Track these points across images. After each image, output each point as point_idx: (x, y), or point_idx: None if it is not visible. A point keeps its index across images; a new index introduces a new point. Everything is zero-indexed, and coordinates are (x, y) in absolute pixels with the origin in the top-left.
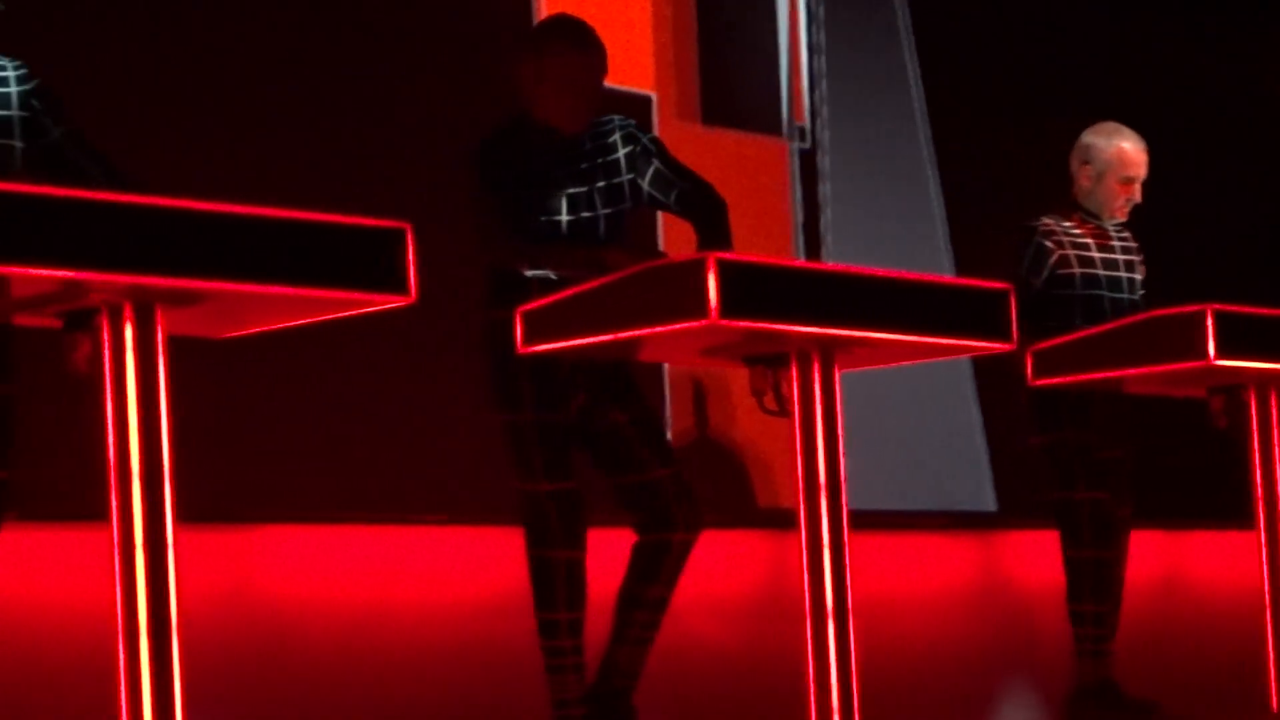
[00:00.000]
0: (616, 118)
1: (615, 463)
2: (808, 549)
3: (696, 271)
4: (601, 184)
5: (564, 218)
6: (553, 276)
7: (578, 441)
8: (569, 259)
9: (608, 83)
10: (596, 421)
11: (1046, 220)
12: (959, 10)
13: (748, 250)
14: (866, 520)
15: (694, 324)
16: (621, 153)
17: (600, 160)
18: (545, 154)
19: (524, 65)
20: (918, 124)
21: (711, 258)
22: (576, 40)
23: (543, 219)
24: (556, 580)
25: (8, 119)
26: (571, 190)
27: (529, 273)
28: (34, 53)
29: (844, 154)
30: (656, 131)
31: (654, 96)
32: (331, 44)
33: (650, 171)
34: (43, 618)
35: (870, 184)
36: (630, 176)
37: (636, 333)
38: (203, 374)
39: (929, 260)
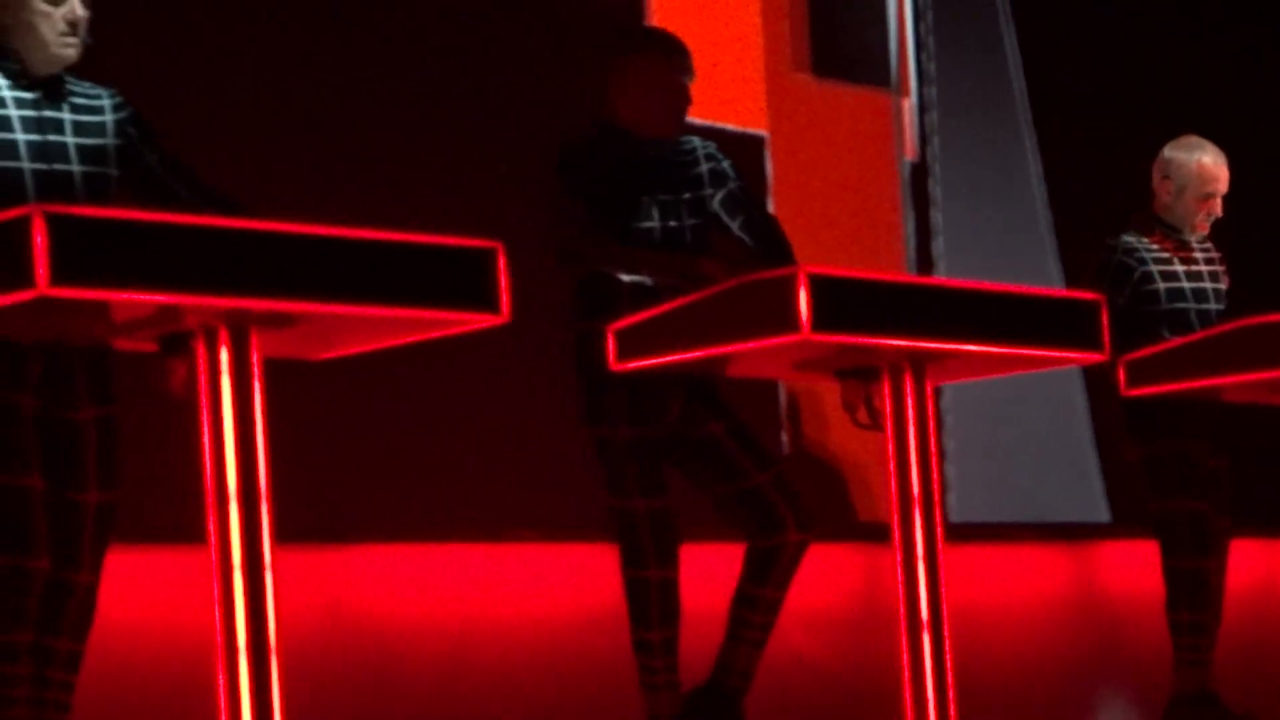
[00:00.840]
0: (697, 139)
1: (716, 472)
2: (902, 562)
3: (788, 286)
4: (687, 195)
5: (655, 224)
6: (647, 283)
7: (670, 456)
8: (666, 264)
9: (719, 121)
10: (694, 432)
11: (1126, 238)
12: (1065, 24)
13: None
14: (964, 532)
15: (786, 339)
16: (704, 168)
17: (685, 173)
18: (632, 162)
19: (611, 72)
20: (1025, 139)
21: (803, 271)
22: (664, 46)
23: (634, 225)
24: (649, 599)
25: (103, 147)
26: (661, 197)
27: (625, 278)
28: (124, 80)
29: (953, 174)
30: (770, 175)
31: (766, 136)
32: (417, 62)
33: (723, 193)
34: (144, 639)
35: (978, 202)
36: (710, 191)
37: (729, 348)
38: (297, 395)
39: (1038, 274)
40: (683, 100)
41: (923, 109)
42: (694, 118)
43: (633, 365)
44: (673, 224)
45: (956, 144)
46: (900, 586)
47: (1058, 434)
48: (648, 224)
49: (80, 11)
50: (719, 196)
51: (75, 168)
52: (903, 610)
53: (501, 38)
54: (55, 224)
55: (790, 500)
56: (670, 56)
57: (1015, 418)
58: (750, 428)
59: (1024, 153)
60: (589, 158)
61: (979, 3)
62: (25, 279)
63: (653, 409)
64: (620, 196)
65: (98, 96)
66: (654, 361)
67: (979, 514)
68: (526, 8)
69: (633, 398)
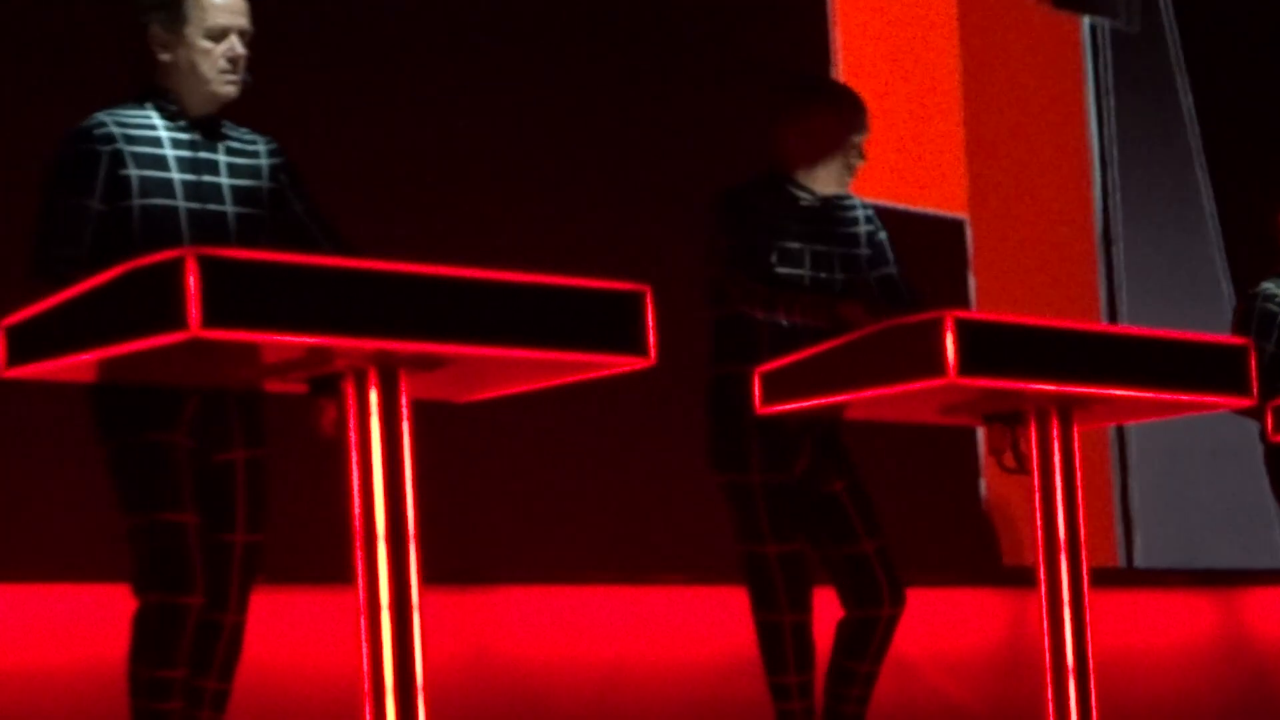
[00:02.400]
0: (858, 199)
1: (829, 532)
2: (1048, 607)
3: (934, 330)
4: (841, 251)
5: (806, 273)
6: (784, 324)
7: (796, 505)
8: (807, 306)
9: (921, 206)
10: (820, 486)
11: (1267, 285)
12: (1235, 59)
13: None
14: (1114, 577)
15: (932, 383)
16: (863, 229)
17: (843, 229)
18: (794, 210)
19: (785, 121)
20: (1198, 174)
21: (949, 316)
22: (842, 102)
23: (784, 271)
24: (784, 644)
25: (257, 190)
26: (816, 248)
27: (762, 316)
28: (271, 124)
29: (1135, 235)
30: (971, 252)
31: (966, 220)
32: (570, 103)
33: (874, 249)
34: (291, 680)
35: (1158, 242)
36: (866, 252)
37: (874, 392)
38: (446, 437)
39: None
40: (854, 158)
41: (1104, 171)
42: (891, 201)
43: (778, 409)
44: (824, 275)
45: (1135, 189)
46: (1045, 632)
47: (1236, 477)
48: (798, 271)
49: (240, 49)
50: (870, 247)
51: (229, 208)
52: (1048, 656)
53: (666, 82)
54: (208, 266)
55: (889, 573)
56: (846, 112)
57: (1195, 462)
58: (866, 489)
59: (1198, 187)
60: (753, 200)
61: (1149, 39)
62: (178, 320)
63: (785, 455)
64: (776, 241)
65: (254, 141)
66: (798, 405)
67: (1162, 560)
68: (703, 53)
69: (766, 443)
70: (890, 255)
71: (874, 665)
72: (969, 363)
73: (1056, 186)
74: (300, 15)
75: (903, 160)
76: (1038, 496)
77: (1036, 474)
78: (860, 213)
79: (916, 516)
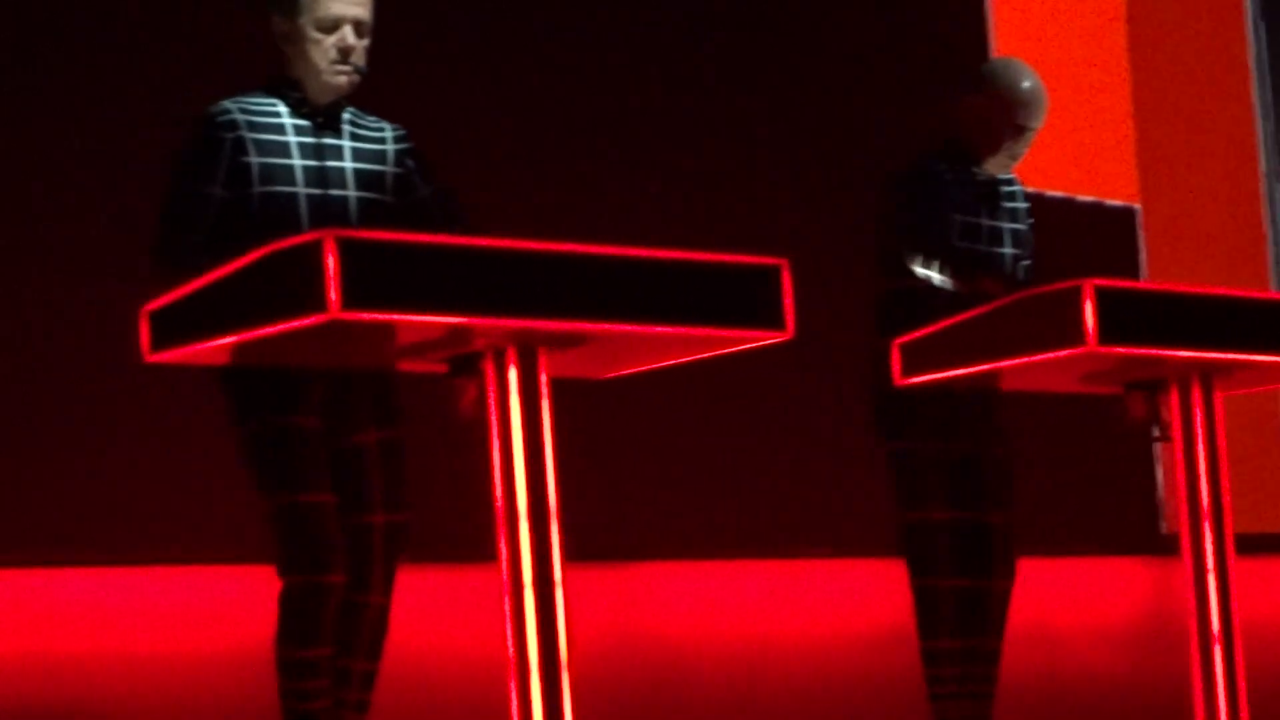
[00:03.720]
0: (1017, 178)
1: (973, 496)
2: (1193, 574)
3: (1073, 299)
4: (1010, 226)
5: (982, 246)
6: (953, 295)
7: (965, 470)
8: (988, 277)
9: (1091, 194)
10: (985, 451)
11: None
12: None
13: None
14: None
15: (1072, 351)
16: (1022, 205)
17: (1012, 204)
18: (970, 185)
19: (969, 98)
20: None
21: (1089, 284)
22: (1029, 91)
23: (962, 245)
24: (940, 609)
25: (381, 174)
26: (990, 224)
27: (955, 286)
28: (405, 108)
29: None
30: (1143, 240)
31: (1138, 208)
32: (705, 78)
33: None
34: (436, 658)
35: None
36: (1026, 229)
37: (1014, 362)
38: (584, 413)
39: None
40: (1021, 146)
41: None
42: (1059, 190)
43: (916, 380)
44: (995, 250)
45: None
46: (1191, 599)
47: None
48: (975, 245)
49: (352, 39)
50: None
51: (351, 193)
52: (1193, 623)
53: (813, 64)
54: (346, 248)
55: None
56: (1022, 101)
57: None
58: (1010, 463)
59: None
60: (937, 173)
61: None
62: (317, 303)
63: (952, 424)
64: (956, 214)
65: (381, 129)
66: (937, 376)
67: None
68: (853, 40)
69: (934, 411)
70: (1031, 240)
71: (997, 641)
72: (1109, 331)
73: (1225, 171)
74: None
75: (1071, 148)
76: (1180, 464)
77: (1178, 440)
78: (1020, 190)
79: (1090, 483)
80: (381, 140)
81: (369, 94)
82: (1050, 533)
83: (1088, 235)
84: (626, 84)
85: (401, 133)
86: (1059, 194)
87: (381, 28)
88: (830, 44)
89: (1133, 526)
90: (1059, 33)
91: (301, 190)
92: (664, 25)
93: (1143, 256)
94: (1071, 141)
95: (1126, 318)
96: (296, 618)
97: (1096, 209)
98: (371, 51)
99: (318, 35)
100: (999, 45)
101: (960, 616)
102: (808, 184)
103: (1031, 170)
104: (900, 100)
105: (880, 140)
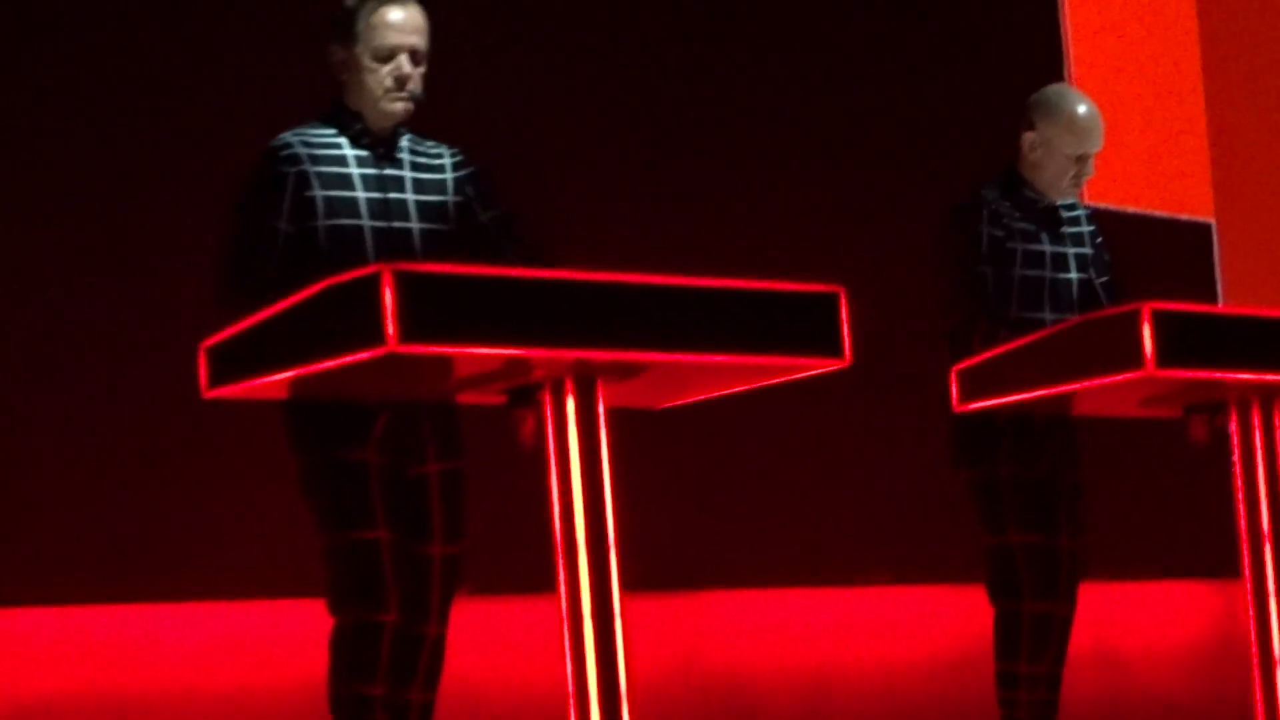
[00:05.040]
0: (1079, 201)
1: (1045, 521)
2: (1253, 597)
3: (1131, 323)
4: (1075, 251)
5: (1047, 274)
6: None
7: (1046, 495)
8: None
9: (1165, 210)
10: (1059, 478)
11: None
12: None
13: None
14: None
15: (1130, 375)
16: (1086, 229)
17: (1074, 229)
18: (1031, 212)
19: (1025, 130)
20: None
21: (1147, 308)
22: (1085, 117)
23: (1028, 273)
24: (1020, 632)
25: (443, 205)
26: (1054, 250)
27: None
28: (464, 129)
29: None
30: (1219, 256)
31: (1213, 224)
32: (766, 104)
33: (1096, 251)
34: (495, 689)
35: None
36: (1092, 253)
37: (1073, 386)
38: (647, 440)
39: None
40: (1085, 170)
41: None
42: (1133, 206)
43: (974, 406)
44: (1061, 276)
45: None
46: (1251, 622)
47: None
48: (1040, 273)
49: (408, 68)
50: (1099, 280)
51: (415, 225)
52: (1254, 646)
53: (887, 87)
54: (403, 281)
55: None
56: (1081, 128)
57: None
58: (1083, 489)
59: None
60: (994, 202)
61: None
62: (374, 336)
63: (1031, 450)
64: (1018, 244)
65: (439, 155)
66: (997, 402)
67: None
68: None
69: (1013, 438)
70: (1107, 258)
71: (1056, 667)
72: (1167, 354)
73: None
74: (498, 20)
75: (1145, 164)
76: (1239, 485)
77: (1238, 463)
78: (1082, 213)
79: (1169, 505)
80: (441, 169)
81: (431, 116)
82: (1123, 557)
83: (1162, 251)
84: (687, 113)
85: (460, 157)
86: (1133, 210)
87: (445, 50)
88: (896, 68)
89: (1206, 550)
90: (1133, 50)
91: (367, 223)
92: (726, 55)
93: (1218, 272)
94: (1146, 157)
95: (1185, 341)
96: (349, 656)
97: (1171, 225)
98: (433, 75)
99: (374, 64)
100: (1075, 64)
101: (1034, 641)
102: (870, 209)
103: (1105, 186)
104: (967, 122)
105: (945, 163)
